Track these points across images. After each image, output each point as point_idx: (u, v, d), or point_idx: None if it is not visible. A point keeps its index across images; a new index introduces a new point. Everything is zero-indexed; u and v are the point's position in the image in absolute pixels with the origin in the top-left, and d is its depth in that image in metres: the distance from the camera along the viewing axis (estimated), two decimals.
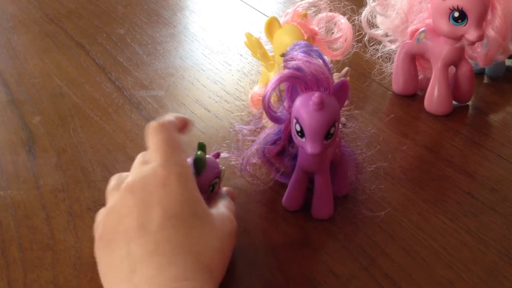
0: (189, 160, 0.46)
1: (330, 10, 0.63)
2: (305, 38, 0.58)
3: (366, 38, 0.74)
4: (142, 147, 0.45)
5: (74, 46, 0.84)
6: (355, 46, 0.65)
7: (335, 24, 0.64)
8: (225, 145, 0.61)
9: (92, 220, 0.45)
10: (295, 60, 0.45)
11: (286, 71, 0.45)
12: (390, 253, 0.48)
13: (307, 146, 0.45)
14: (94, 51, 0.82)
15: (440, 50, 0.66)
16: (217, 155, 0.50)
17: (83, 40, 0.86)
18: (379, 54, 0.75)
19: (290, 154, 0.51)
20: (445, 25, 0.63)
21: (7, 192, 0.53)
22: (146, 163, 0.42)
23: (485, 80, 0.80)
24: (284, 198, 0.52)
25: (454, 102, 0.70)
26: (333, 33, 0.64)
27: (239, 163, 0.53)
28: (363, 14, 0.72)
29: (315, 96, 0.43)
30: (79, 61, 0.79)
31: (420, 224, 0.51)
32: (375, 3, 0.71)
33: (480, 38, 0.62)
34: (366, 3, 0.72)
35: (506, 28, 0.64)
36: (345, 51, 0.64)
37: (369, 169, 0.57)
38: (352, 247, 0.48)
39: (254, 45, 0.63)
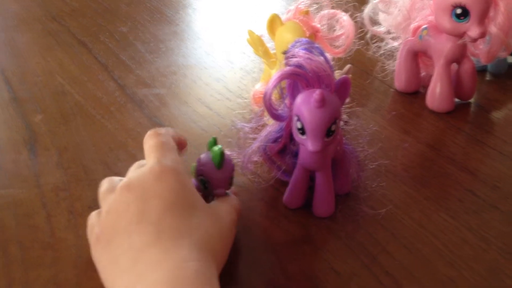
0: (204, 156, 0.47)
1: (332, 7, 0.63)
2: (307, 35, 0.58)
3: (368, 35, 0.74)
4: None
5: (77, 44, 0.84)
6: (357, 43, 0.65)
7: (337, 21, 0.64)
8: (227, 143, 0.60)
9: None
10: (296, 57, 0.45)
11: (288, 68, 0.45)
12: (392, 250, 0.48)
13: (308, 144, 0.45)
14: (97, 49, 0.82)
15: (442, 47, 0.66)
16: None
17: (86, 38, 0.86)
18: (382, 52, 0.75)
19: (292, 151, 0.51)
20: (447, 22, 0.63)
21: (8, 190, 0.53)
22: (142, 166, 0.43)
23: (488, 77, 0.79)
24: (285, 195, 0.52)
25: (456, 100, 0.70)
26: (335, 30, 0.64)
27: (241, 161, 0.53)
28: (365, 11, 0.72)
29: (316, 93, 0.43)
30: (81, 59, 0.79)
31: (421, 222, 0.51)
32: (377, 0, 0.71)
33: (483, 35, 0.62)
34: (369, 0, 0.71)
35: (509, 24, 0.64)
36: (347, 48, 0.64)
37: (371, 167, 0.57)
38: (354, 245, 0.48)
39: (256, 43, 0.62)
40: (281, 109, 0.49)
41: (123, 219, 0.40)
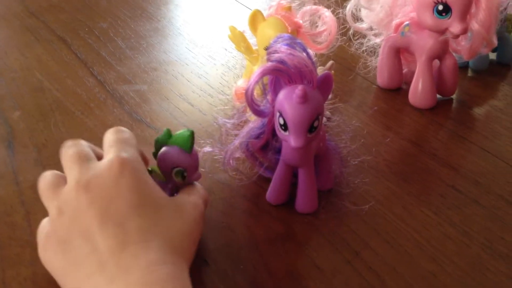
0: (166, 149, 0.46)
1: (315, 3, 0.63)
2: (289, 31, 0.57)
3: (350, 31, 0.74)
4: None
5: (56, 40, 0.83)
6: (340, 39, 0.65)
7: (319, 17, 0.63)
8: (208, 139, 0.60)
9: None
10: (278, 53, 0.45)
11: (270, 64, 0.45)
12: (374, 246, 0.48)
13: (291, 140, 0.45)
14: (76, 45, 0.81)
15: (424, 43, 0.66)
16: None
17: (65, 34, 0.85)
18: (364, 48, 0.75)
19: (274, 148, 0.51)
20: (429, 18, 0.63)
21: None
22: (98, 160, 0.42)
23: (469, 74, 0.80)
24: (268, 192, 0.52)
25: (438, 96, 0.70)
26: (317, 26, 0.64)
27: (223, 157, 0.52)
28: (347, 8, 0.72)
29: (299, 89, 0.43)
30: (60, 55, 0.78)
31: (404, 217, 0.51)
32: None
33: (464, 31, 0.62)
34: None
35: (490, 21, 0.64)
36: (329, 44, 0.64)
37: (353, 163, 0.57)
38: (336, 241, 0.48)
39: (238, 39, 0.62)
40: (263, 105, 0.49)
41: (82, 220, 0.38)
